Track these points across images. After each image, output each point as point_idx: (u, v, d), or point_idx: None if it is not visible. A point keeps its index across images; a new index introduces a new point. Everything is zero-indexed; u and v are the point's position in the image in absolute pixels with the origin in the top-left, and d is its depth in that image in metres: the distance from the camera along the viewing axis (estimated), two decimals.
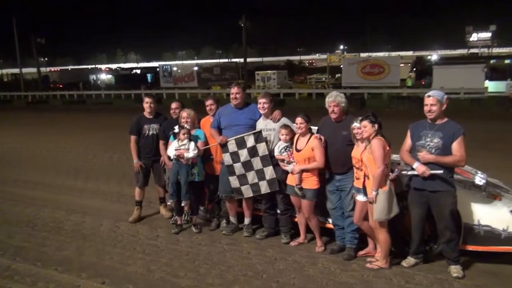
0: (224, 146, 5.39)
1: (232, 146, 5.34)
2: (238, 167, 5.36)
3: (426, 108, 4.27)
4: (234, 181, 5.40)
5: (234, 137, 5.33)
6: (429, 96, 4.27)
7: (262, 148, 5.24)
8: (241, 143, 5.31)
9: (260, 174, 5.27)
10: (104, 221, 6.36)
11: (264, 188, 5.28)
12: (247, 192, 5.39)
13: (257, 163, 5.27)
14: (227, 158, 5.40)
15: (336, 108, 4.79)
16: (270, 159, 5.24)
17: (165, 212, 6.49)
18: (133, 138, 6.25)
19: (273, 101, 5.37)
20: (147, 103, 6.21)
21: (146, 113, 6.26)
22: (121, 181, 8.86)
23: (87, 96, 41.44)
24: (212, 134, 5.57)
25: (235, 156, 5.35)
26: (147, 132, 6.18)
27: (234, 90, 5.46)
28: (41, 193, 8.19)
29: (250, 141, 5.28)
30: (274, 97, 5.56)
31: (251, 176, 5.32)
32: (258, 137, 5.26)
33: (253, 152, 5.27)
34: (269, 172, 5.23)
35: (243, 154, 5.31)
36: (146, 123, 6.20)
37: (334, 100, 4.80)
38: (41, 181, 9.14)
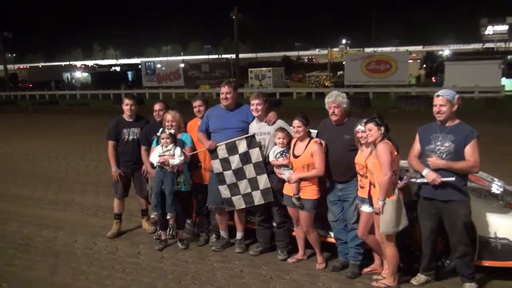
0: (213, 151, 5.39)
1: (222, 151, 5.35)
2: (228, 175, 5.36)
3: (435, 109, 4.31)
4: (224, 191, 5.40)
5: (225, 142, 5.34)
6: (438, 95, 4.31)
7: (255, 154, 5.25)
8: (232, 149, 5.31)
9: (253, 183, 5.28)
10: (79, 237, 6.32)
11: (257, 198, 5.29)
12: (239, 203, 5.39)
13: (250, 170, 5.28)
14: (216, 165, 5.40)
15: (336, 110, 4.81)
16: (265, 166, 5.26)
17: (148, 226, 6.47)
18: (111, 143, 6.23)
19: (267, 102, 5.39)
20: (127, 105, 6.20)
21: (126, 116, 6.25)
22: (99, 191, 8.82)
23: (60, 97, 41.28)
24: (199, 138, 5.58)
25: (225, 163, 5.35)
26: (126, 136, 6.17)
27: (224, 89, 5.47)
28: (8, 205, 8.12)
29: (242, 146, 5.29)
30: (269, 97, 5.58)
31: (244, 185, 5.32)
32: (251, 141, 5.27)
33: (245, 158, 5.27)
34: (263, 181, 5.24)
35: (235, 160, 5.31)
36: (126, 127, 6.19)
37: (334, 100, 4.82)
38: (7, 192, 9.07)
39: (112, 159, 6.22)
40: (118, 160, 6.22)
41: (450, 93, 4.31)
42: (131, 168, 6.22)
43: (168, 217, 5.62)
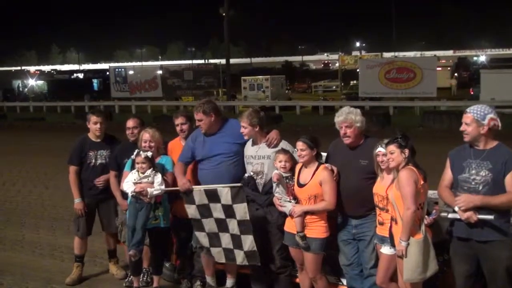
0: (188, 194, 5.33)
1: (200, 197, 5.28)
2: (208, 224, 5.32)
3: (461, 128, 4.36)
4: (203, 239, 5.39)
5: (204, 187, 5.30)
6: (466, 112, 4.36)
7: (241, 211, 5.13)
8: (213, 196, 5.24)
9: (237, 241, 5.22)
10: (31, 284, 6.29)
11: (240, 259, 5.25)
12: (219, 256, 5.39)
13: (233, 226, 5.22)
14: (192, 211, 5.35)
15: (349, 130, 4.83)
16: (264, 195, 5.23)
17: (116, 271, 6.45)
18: (73, 169, 6.24)
19: (263, 119, 5.34)
20: (96, 123, 6.19)
21: (93, 136, 6.27)
22: (55, 227, 8.77)
23: (9, 109, 41.26)
24: (175, 171, 5.53)
25: (204, 209, 5.29)
26: (93, 161, 6.19)
27: (197, 116, 5.42)
28: None
29: (226, 198, 5.17)
30: (266, 112, 5.59)
31: (226, 239, 5.29)
32: (238, 194, 5.14)
33: (228, 212, 5.21)
34: (249, 242, 5.14)
35: (216, 208, 5.25)
36: (92, 149, 6.21)
37: (345, 119, 4.84)
38: None
39: (75, 188, 6.21)
40: (82, 189, 6.23)
41: (480, 110, 4.27)
42: (97, 198, 6.22)
43: (130, 252, 5.48)
